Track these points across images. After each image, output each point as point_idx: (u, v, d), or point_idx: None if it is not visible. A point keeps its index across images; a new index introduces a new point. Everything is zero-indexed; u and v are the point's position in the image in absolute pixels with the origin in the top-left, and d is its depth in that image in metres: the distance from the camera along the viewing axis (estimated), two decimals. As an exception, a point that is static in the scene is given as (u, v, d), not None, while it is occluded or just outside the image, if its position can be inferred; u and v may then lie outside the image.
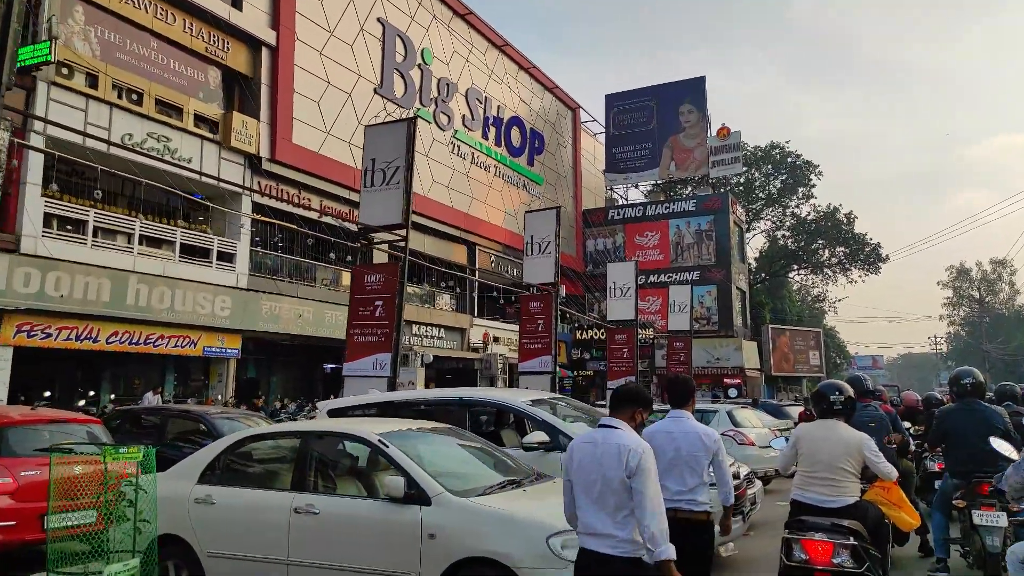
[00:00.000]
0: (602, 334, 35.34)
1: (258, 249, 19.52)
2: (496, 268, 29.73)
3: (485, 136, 28.82)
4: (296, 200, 19.81)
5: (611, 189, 38.09)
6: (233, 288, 17.90)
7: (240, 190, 17.86)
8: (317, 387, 23.39)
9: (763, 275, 43.82)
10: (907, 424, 8.75)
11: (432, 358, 22.23)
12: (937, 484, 6.66)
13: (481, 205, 28.18)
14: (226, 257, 18.00)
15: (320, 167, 20.48)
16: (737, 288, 34.91)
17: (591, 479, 3.27)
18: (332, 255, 20.61)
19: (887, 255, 40.33)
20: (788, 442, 4.91)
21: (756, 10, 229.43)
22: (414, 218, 24.06)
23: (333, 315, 20.64)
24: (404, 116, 20.16)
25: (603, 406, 19.86)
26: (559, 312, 29.50)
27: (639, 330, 33.67)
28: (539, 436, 5.80)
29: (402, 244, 10.40)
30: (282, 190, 19.63)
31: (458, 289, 27.79)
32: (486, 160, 28.71)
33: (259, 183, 18.75)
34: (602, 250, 36.01)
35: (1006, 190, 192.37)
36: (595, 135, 39.55)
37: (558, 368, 31.78)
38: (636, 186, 37.96)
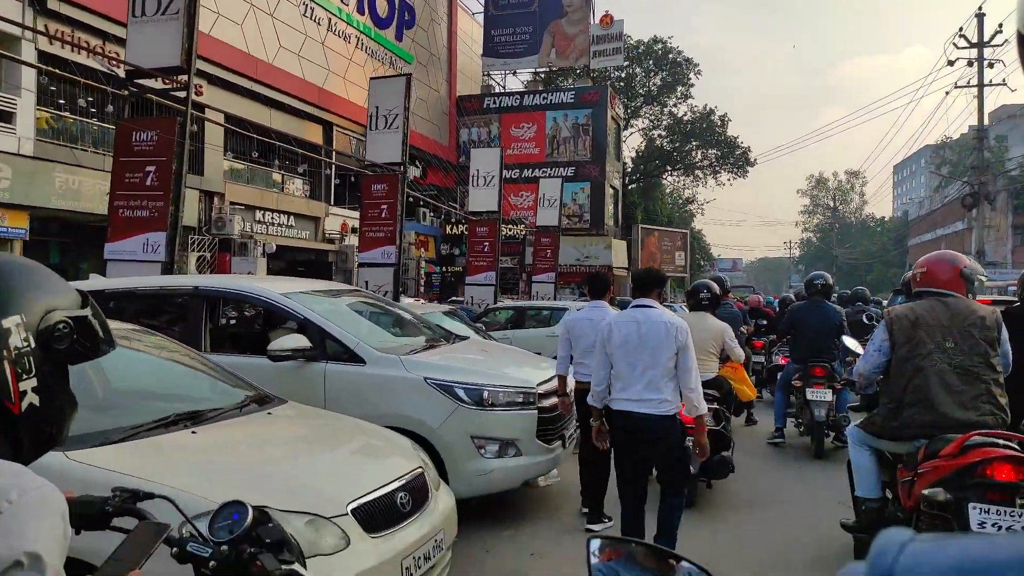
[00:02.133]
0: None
1: (48, 110, 16.19)
2: (357, 151, 27.20)
3: (344, 1, 25.51)
4: (100, 51, 16.45)
5: (488, 76, 35.69)
6: (14, 155, 14.75)
7: (18, 30, 14.39)
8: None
9: (638, 176, 43.61)
10: (759, 320, 10.92)
11: (275, 247, 20.01)
12: (779, 376, 7.98)
13: (339, 80, 25.26)
14: (3, 116, 14.70)
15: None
16: (611, 186, 34.28)
17: (636, 352, 3.79)
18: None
19: (755, 159, 41.01)
20: None
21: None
22: (251, 85, 21.26)
23: (154, 195, 17.85)
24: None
25: (460, 302, 18.94)
26: (423, 202, 27.87)
27: (511, 226, 32.73)
28: (295, 340, 4.25)
29: (186, 95, 8.18)
30: (79, 38, 16.15)
31: (310, 174, 25.18)
32: (346, 29, 25.55)
33: (45, 26, 15.25)
34: (476, 140, 34.01)
35: (869, 112, 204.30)
36: (474, 15, 36.58)
37: (424, 263, 30.50)
38: (515, 73, 35.78)
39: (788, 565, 4.33)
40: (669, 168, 43.88)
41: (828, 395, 6.84)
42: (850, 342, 5.10)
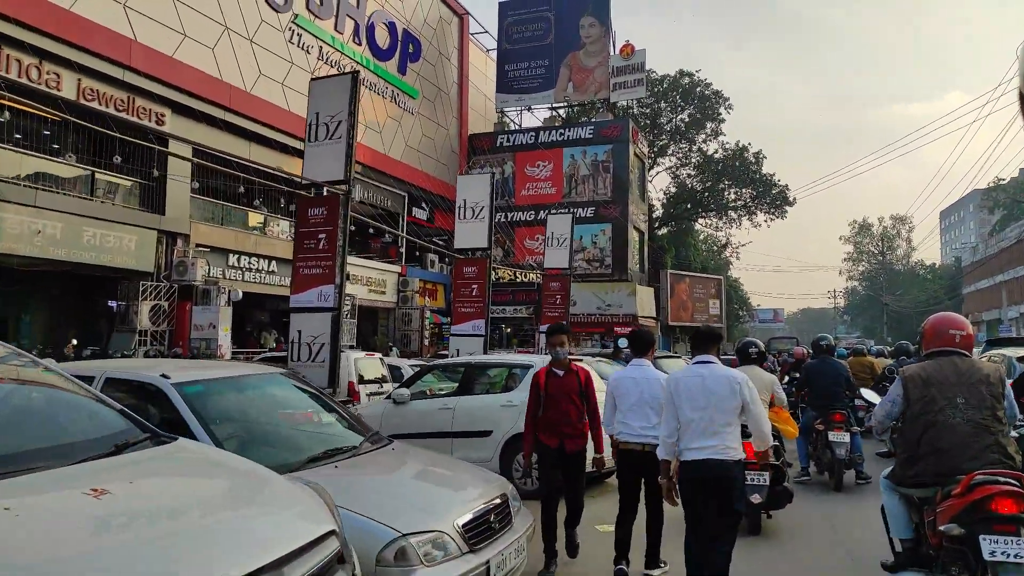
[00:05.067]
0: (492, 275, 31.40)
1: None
2: (354, 192, 24.93)
3: (339, 29, 23.63)
4: (36, 74, 14.47)
5: (502, 113, 33.53)
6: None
7: None
8: (102, 328, 18.34)
9: (669, 221, 40.74)
10: (796, 373, 11.99)
11: (241, 295, 17.52)
12: (800, 423, 8.71)
13: (331, 113, 23.11)
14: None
15: (75, 31, 15.06)
16: (636, 228, 31.44)
17: (703, 404, 4.16)
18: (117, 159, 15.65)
19: (794, 198, 37.79)
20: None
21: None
22: (224, 115, 19.16)
23: (97, 234, 15.60)
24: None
25: (445, 356, 16.13)
26: (429, 247, 25.37)
27: (528, 273, 30.03)
28: None
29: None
30: (8, 55, 14.18)
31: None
32: (340, 59, 23.58)
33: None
34: (489, 181, 31.64)
35: (908, 156, 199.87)
36: (488, 51, 34.74)
37: (430, 313, 27.79)
38: (530, 109, 33.55)
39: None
40: (702, 212, 40.88)
41: (846, 437, 8.01)
42: (868, 394, 5.62)
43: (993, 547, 3.33)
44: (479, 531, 3.63)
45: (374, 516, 3.27)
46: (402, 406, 7.35)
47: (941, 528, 3.49)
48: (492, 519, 3.76)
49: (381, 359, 11.65)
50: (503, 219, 30.76)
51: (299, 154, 21.67)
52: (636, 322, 27.26)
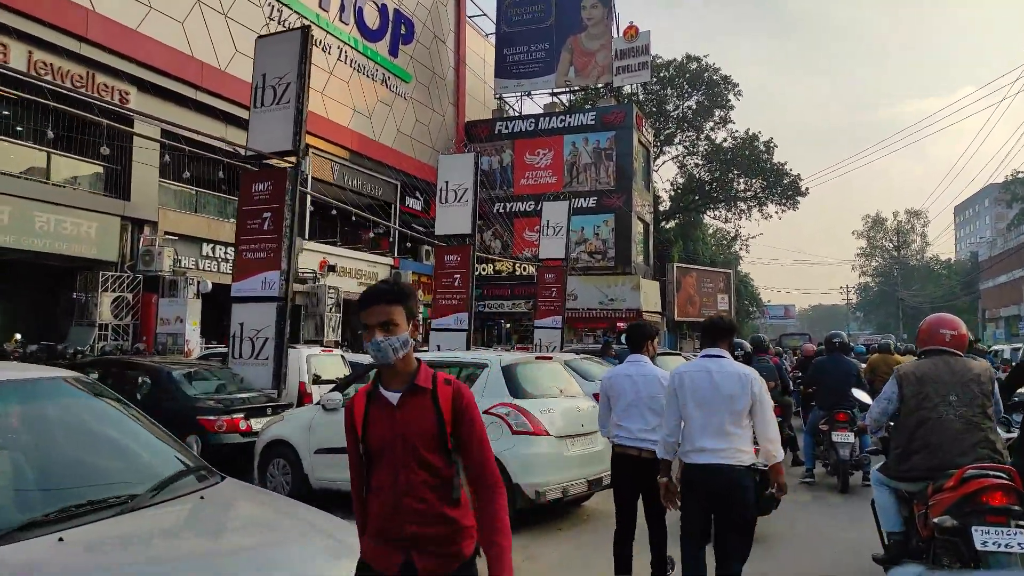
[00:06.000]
0: (483, 268, 30.08)
1: None
2: (340, 179, 23.71)
3: (324, 7, 22.35)
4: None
5: (501, 99, 32.17)
6: None
7: None
8: (64, 323, 17.15)
9: (677, 214, 39.23)
10: (799, 373, 12.15)
11: (210, 286, 16.26)
12: (807, 422, 9.05)
13: (316, 96, 21.84)
14: None
15: (21, -1, 13.83)
16: (640, 219, 30.03)
17: (710, 402, 3.75)
18: (50, 131, 14.45)
19: (806, 188, 36.16)
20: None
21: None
22: (197, 95, 17.93)
23: (52, 220, 14.43)
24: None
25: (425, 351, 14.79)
26: (422, 239, 24.09)
27: (528, 266, 28.71)
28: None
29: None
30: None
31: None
32: (324, 37, 22.31)
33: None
34: (487, 170, 30.34)
35: (915, 150, 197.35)
36: (486, 35, 33.39)
37: (423, 307, 26.52)
38: (529, 95, 32.16)
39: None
40: (710, 204, 39.34)
41: (851, 437, 7.90)
42: (859, 394, 5.84)
43: (985, 537, 3.45)
44: None
45: None
46: (334, 413, 6.09)
47: (935, 520, 3.60)
48: None
49: (343, 356, 10.34)
50: (501, 210, 29.45)
51: (279, 138, 20.46)
52: (640, 317, 25.88)
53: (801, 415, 10.39)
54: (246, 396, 7.66)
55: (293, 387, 8.83)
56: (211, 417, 6.84)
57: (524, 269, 28.41)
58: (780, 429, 9.84)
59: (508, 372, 5.79)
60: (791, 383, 10.54)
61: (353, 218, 22.14)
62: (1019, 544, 3.42)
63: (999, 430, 4.60)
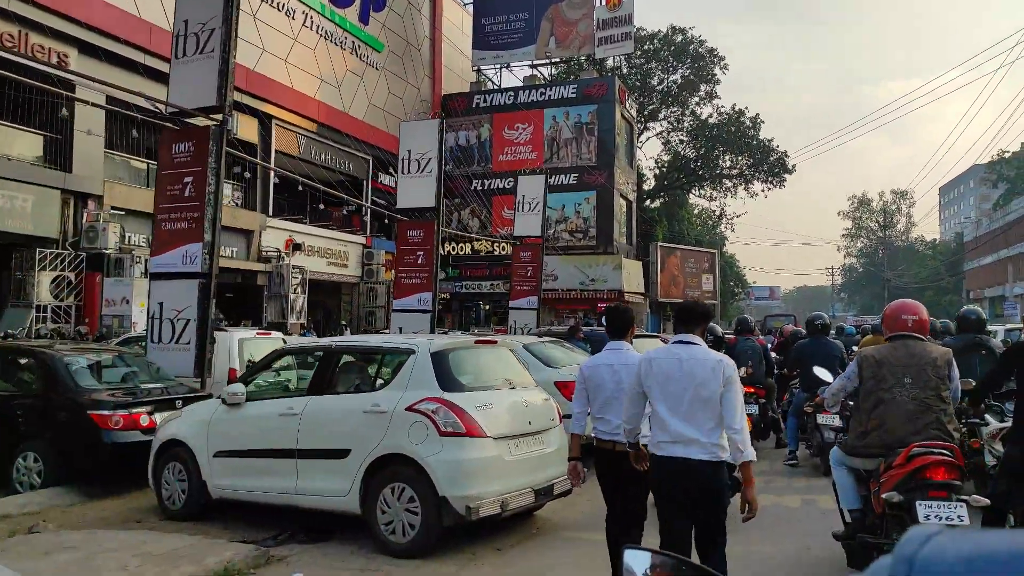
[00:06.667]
0: (460, 248, 29.05)
1: None
2: (307, 153, 22.53)
3: (287, -32, 21.04)
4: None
5: (479, 71, 30.95)
6: None
7: None
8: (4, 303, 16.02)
9: (661, 193, 38.27)
10: (779, 355, 11.86)
11: (158, 264, 15.13)
12: (791, 404, 8.88)
13: (278, 63, 20.66)
14: None
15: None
16: (623, 197, 29.05)
17: (679, 390, 3.53)
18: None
19: (793, 165, 35.29)
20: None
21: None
22: (146, 59, 16.70)
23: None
24: None
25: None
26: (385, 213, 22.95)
27: (505, 244, 27.65)
28: None
29: None
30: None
31: (240, 178, 20.45)
32: (289, 2, 21.04)
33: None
34: (464, 145, 29.22)
35: (898, 132, 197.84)
36: (464, 4, 32.08)
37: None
38: (508, 67, 30.94)
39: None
40: (695, 182, 38.40)
41: (835, 420, 7.56)
42: (820, 371, 6.30)
43: (927, 511, 3.64)
44: None
45: None
46: (235, 409, 5.12)
47: (883, 496, 3.78)
48: None
49: (283, 339, 9.31)
50: (479, 187, 28.38)
51: (239, 108, 19.31)
52: (622, 298, 24.98)
53: (777, 396, 10.35)
54: (158, 387, 6.67)
55: (222, 375, 7.83)
56: (104, 412, 5.84)
57: (503, 248, 27.39)
58: (764, 411, 9.03)
59: (439, 360, 4.79)
60: (775, 365, 10.47)
61: (320, 194, 21.04)
62: (959, 517, 3.57)
63: (989, 416, 5.50)
